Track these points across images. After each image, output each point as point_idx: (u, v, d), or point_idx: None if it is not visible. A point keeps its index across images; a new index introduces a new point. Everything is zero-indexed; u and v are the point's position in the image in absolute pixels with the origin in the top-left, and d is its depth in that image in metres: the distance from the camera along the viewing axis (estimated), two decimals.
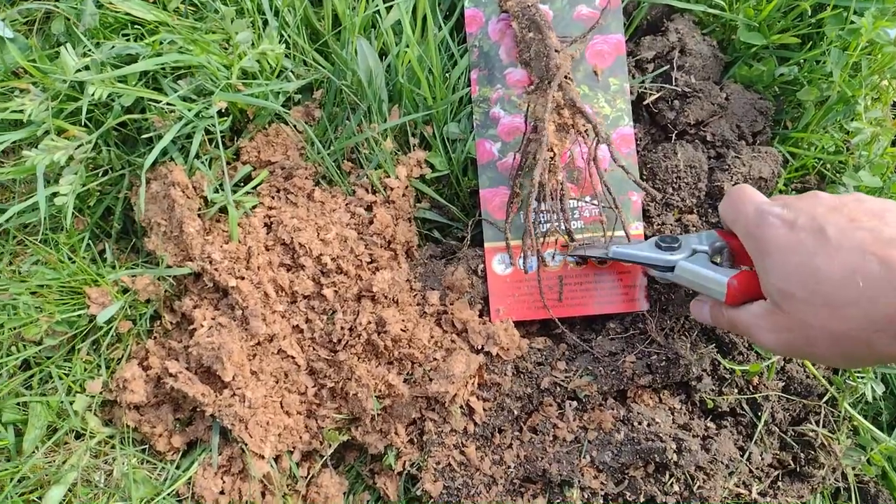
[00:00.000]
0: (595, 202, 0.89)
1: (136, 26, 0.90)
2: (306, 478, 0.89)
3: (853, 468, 0.89)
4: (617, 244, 0.84)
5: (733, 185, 0.90)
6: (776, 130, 0.96)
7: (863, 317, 0.57)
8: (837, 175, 0.94)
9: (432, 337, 0.87)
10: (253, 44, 0.87)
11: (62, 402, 0.86)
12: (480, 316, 0.89)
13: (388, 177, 0.91)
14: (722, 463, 0.84)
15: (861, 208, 0.62)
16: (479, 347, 0.87)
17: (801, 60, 0.93)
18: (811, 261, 0.60)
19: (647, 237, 0.90)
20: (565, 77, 0.86)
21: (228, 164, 0.92)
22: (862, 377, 0.86)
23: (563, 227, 0.88)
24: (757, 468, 0.87)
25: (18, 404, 0.86)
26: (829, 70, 0.89)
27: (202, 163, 0.89)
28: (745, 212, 0.69)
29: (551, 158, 0.86)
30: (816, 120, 0.92)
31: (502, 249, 0.90)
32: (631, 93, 0.92)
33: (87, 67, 0.82)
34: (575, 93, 0.86)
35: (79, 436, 0.88)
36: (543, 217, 0.89)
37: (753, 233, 0.67)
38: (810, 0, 0.89)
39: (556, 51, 0.87)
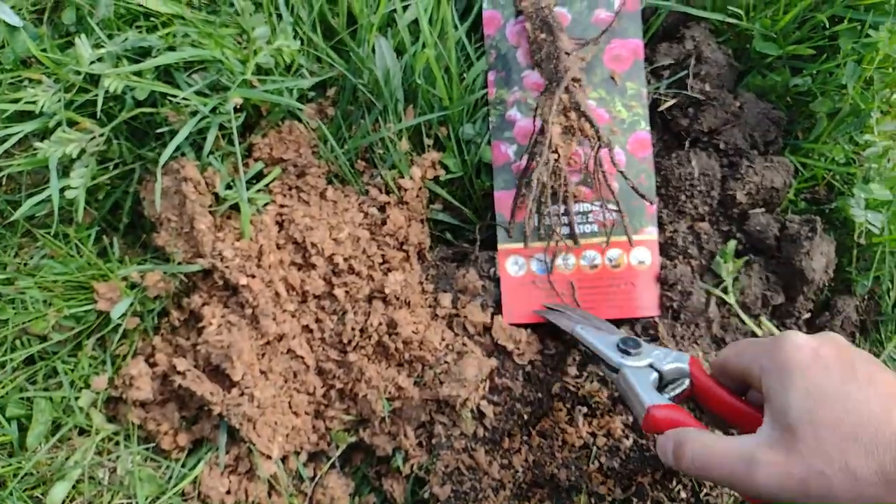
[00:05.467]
0: (600, 206, 0.89)
1: (149, 18, 0.88)
2: (313, 479, 0.88)
3: None
4: (585, 324, 0.82)
5: (745, 194, 0.90)
6: (787, 141, 0.97)
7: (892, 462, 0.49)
8: (846, 187, 0.94)
9: (444, 339, 0.87)
10: (269, 40, 0.86)
11: (67, 397, 0.85)
12: (492, 319, 0.89)
13: (402, 177, 0.91)
14: None
15: (873, 359, 0.58)
16: (491, 351, 0.86)
17: (815, 72, 0.93)
18: (842, 386, 0.54)
19: (660, 245, 0.90)
20: (573, 80, 0.86)
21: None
22: None
23: (567, 231, 0.88)
24: None
25: (22, 399, 0.85)
26: (843, 82, 0.89)
27: (215, 158, 0.88)
28: (761, 342, 0.63)
29: (556, 160, 0.86)
30: (828, 131, 0.93)
31: (515, 252, 0.90)
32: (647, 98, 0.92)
33: (100, 59, 0.81)
34: (581, 96, 0.86)
35: (83, 432, 0.87)
36: (551, 220, 0.88)
37: (773, 353, 0.59)
38: (826, 12, 0.90)
39: (566, 53, 0.87)
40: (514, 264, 0.90)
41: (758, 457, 0.55)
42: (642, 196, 0.84)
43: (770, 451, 0.55)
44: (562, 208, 0.87)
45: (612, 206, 0.88)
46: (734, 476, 0.56)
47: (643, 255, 0.90)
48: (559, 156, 0.86)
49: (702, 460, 0.59)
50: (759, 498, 0.56)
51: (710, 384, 0.69)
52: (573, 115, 0.87)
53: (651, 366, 0.72)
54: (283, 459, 0.87)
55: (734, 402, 0.66)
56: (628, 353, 0.74)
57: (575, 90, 0.86)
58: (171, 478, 0.86)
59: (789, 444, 0.54)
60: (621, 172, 0.84)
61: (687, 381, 0.70)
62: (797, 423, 0.54)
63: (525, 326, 0.89)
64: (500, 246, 0.90)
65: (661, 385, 0.71)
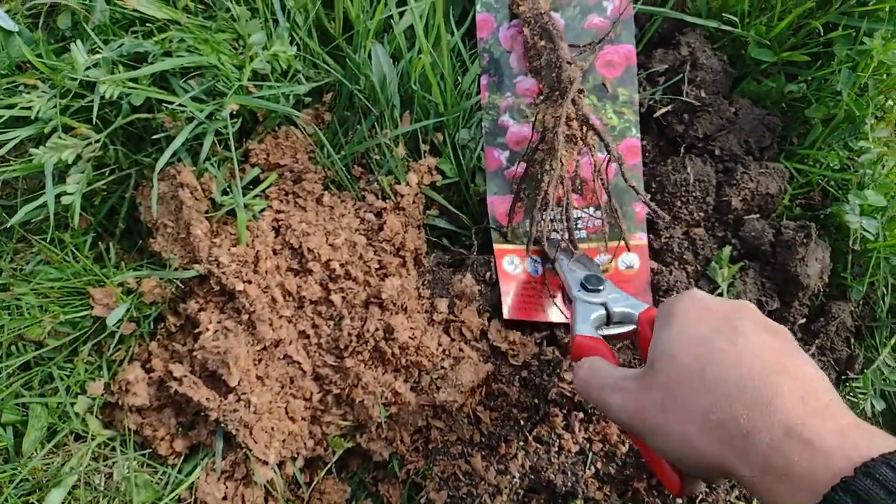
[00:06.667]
0: (597, 215, 0.90)
1: (144, 24, 0.88)
2: (309, 484, 0.88)
3: None
4: (569, 259, 0.86)
5: (740, 200, 0.90)
6: (782, 146, 0.97)
7: (727, 409, 0.50)
8: (841, 192, 0.95)
9: (440, 345, 0.87)
10: (265, 46, 0.86)
11: (63, 403, 0.85)
12: (489, 323, 0.89)
13: (399, 183, 0.91)
14: None
15: (787, 338, 0.56)
16: (488, 356, 0.87)
17: (810, 78, 0.94)
18: (712, 338, 0.55)
19: (651, 249, 0.91)
20: (578, 91, 0.86)
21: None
22: (863, 393, 0.88)
23: (566, 237, 0.88)
24: None
25: (18, 405, 0.85)
26: (838, 88, 0.90)
27: (211, 164, 0.88)
28: (676, 296, 0.64)
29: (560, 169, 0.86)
30: (822, 137, 0.93)
31: (511, 252, 0.90)
32: (641, 104, 0.92)
33: (96, 65, 0.81)
34: (587, 108, 0.85)
35: (79, 438, 0.87)
36: (547, 225, 0.89)
37: (671, 302, 0.61)
38: (821, 19, 0.90)
39: (568, 63, 0.87)
40: (510, 263, 0.90)
41: (620, 384, 0.60)
42: (654, 211, 0.85)
43: (630, 382, 0.59)
44: (551, 214, 0.87)
45: (606, 214, 0.89)
46: (600, 397, 0.61)
47: (632, 259, 0.90)
48: (561, 165, 0.86)
49: (586, 381, 0.64)
50: (616, 423, 0.64)
51: (646, 332, 0.73)
52: (575, 124, 0.87)
53: (604, 304, 0.77)
54: (280, 465, 0.87)
55: None
56: (587, 289, 0.79)
57: (580, 102, 0.86)
58: (167, 483, 0.86)
59: (646, 376, 0.57)
60: (633, 187, 0.83)
61: (631, 326, 0.76)
62: (658, 359, 0.57)
63: (523, 327, 0.89)
64: (496, 246, 0.90)
65: (609, 323, 0.77)
